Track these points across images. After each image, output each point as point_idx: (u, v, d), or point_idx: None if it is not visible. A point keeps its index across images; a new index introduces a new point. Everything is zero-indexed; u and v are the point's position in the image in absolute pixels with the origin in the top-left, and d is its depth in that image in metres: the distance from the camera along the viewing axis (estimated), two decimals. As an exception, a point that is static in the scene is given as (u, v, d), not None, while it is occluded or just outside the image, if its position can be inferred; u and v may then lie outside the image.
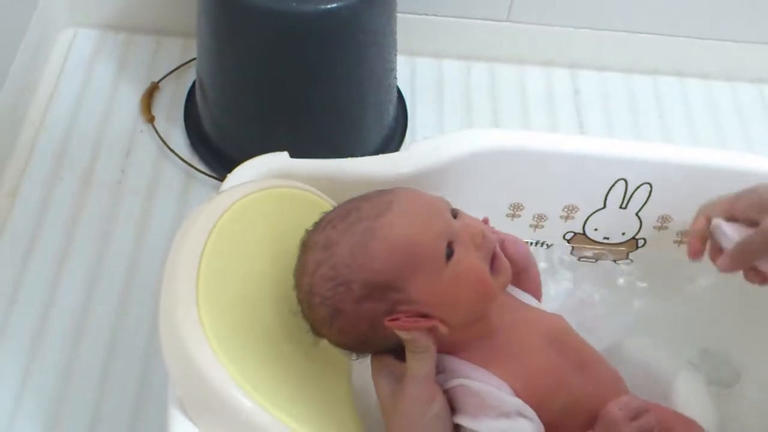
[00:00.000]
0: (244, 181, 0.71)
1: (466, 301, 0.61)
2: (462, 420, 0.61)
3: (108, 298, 0.96)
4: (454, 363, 0.63)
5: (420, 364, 0.61)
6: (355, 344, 0.63)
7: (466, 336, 0.63)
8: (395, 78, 1.11)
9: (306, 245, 0.63)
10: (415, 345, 0.60)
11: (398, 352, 0.63)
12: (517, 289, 0.71)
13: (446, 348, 0.63)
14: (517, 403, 0.62)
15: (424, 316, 0.60)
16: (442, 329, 0.61)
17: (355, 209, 0.62)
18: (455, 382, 0.62)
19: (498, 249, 0.62)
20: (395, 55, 1.08)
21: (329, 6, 0.91)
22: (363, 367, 0.68)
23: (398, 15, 1.06)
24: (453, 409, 0.62)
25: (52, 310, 0.95)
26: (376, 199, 0.62)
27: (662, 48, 1.27)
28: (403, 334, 0.60)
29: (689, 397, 0.76)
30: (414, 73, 1.25)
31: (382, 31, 1.00)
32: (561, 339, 0.67)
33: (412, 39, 1.21)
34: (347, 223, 0.61)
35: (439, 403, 0.61)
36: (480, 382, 0.62)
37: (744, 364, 0.85)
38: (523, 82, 1.26)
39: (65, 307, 0.95)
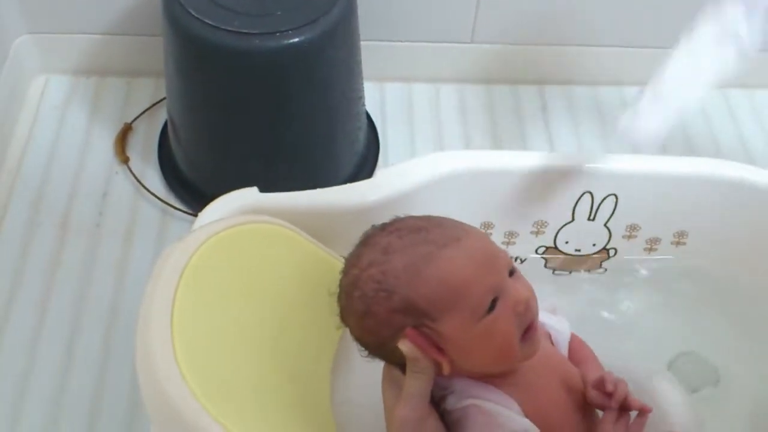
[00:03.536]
0: (214, 220, 0.72)
1: (485, 357, 0.62)
2: None
3: (91, 341, 0.97)
4: (467, 384, 0.65)
5: (416, 383, 0.62)
6: (373, 345, 0.65)
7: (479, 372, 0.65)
8: (363, 105, 1.13)
9: (367, 241, 0.65)
10: (415, 364, 0.62)
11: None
12: (543, 321, 0.73)
13: (460, 372, 0.64)
14: (525, 423, 0.63)
15: (440, 349, 0.62)
16: (445, 369, 0.62)
17: (425, 230, 0.63)
18: (467, 401, 0.63)
19: (537, 322, 0.63)
20: (362, 83, 1.10)
21: (291, 41, 0.93)
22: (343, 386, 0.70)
23: (364, 42, 1.08)
24: (463, 426, 0.63)
25: (36, 355, 0.95)
26: (448, 229, 0.63)
27: (626, 59, 1.29)
28: (407, 351, 0.61)
29: (670, 406, 0.76)
30: (383, 99, 1.26)
31: (345, 60, 1.02)
32: (571, 384, 0.69)
33: (380, 65, 1.24)
34: (414, 239, 0.62)
35: (431, 425, 0.62)
36: (491, 402, 0.63)
37: (722, 365, 0.87)
38: (491, 101, 1.28)
39: (49, 352, 0.96)
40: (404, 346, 0.61)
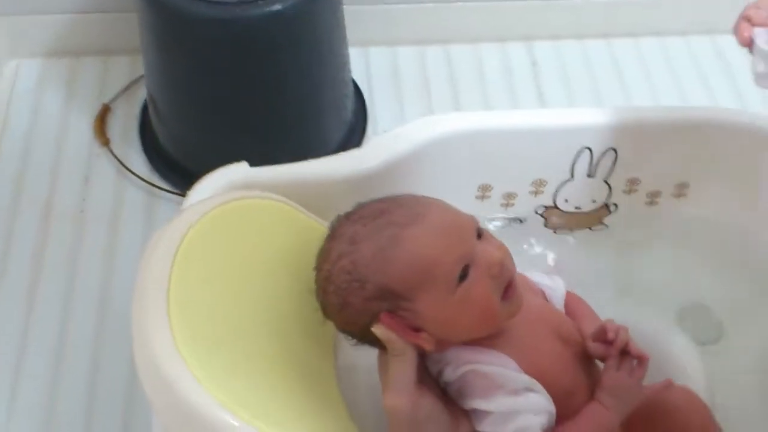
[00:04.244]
0: (205, 198, 0.69)
1: (469, 324, 0.62)
2: (474, 403, 0.62)
3: (83, 329, 0.95)
4: (460, 351, 0.64)
5: (398, 366, 0.61)
6: (357, 334, 0.65)
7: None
8: (349, 72, 1.10)
9: (334, 233, 0.65)
10: (392, 347, 0.61)
11: None
12: (531, 279, 0.73)
13: (449, 344, 0.64)
14: (525, 379, 0.63)
15: (418, 329, 0.61)
16: (427, 348, 0.62)
17: (387, 212, 0.63)
18: (463, 369, 0.63)
19: (514, 278, 0.63)
20: (346, 48, 1.07)
21: (272, 8, 0.90)
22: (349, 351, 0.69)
23: (346, 6, 1.04)
24: (464, 394, 0.63)
25: (27, 349, 0.93)
26: (409, 207, 0.63)
27: (614, 10, 1.26)
28: (380, 335, 0.61)
29: (680, 361, 0.76)
30: (368, 64, 1.23)
31: (329, 26, 0.99)
32: (566, 335, 0.69)
33: (363, 29, 1.20)
34: (377, 224, 0.62)
35: (425, 408, 0.61)
36: (487, 364, 0.63)
37: (727, 317, 0.86)
38: (479, 61, 1.25)
39: (40, 344, 0.93)
40: (377, 330, 0.61)
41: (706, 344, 0.83)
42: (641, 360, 0.66)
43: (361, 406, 0.72)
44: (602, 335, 0.67)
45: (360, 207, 0.65)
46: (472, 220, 0.63)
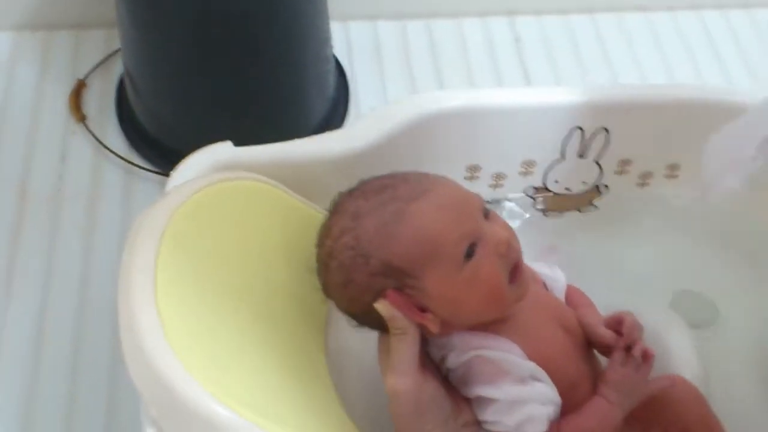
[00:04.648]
0: (189, 179, 0.67)
1: (475, 304, 0.61)
2: (479, 390, 0.61)
3: (63, 312, 0.92)
4: (466, 336, 0.63)
5: (400, 346, 0.60)
6: (360, 314, 0.63)
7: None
8: (331, 47, 1.08)
9: (336, 209, 0.64)
10: (393, 324, 0.60)
11: None
12: (534, 269, 0.72)
13: (454, 327, 0.63)
14: (531, 366, 0.62)
15: (424, 310, 0.60)
16: (432, 329, 0.61)
17: (392, 187, 0.62)
18: (469, 354, 0.62)
19: (521, 260, 0.62)
20: (328, 23, 1.04)
21: (254, -19, 0.87)
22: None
23: (327, -20, 1.02)
24: (469, 381, 0.62)
25: (5, 334, 0.90)
26: (415, 183, 0.62)
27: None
28: (382, 310, 0.60)
29: (674, 346, 0.75)
30: (349, 39, 1.20)
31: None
32: (568, 324, 0.68)
33: (343, 3, 1.17)
34: (381, 198, 0.61)
35: (429, 390, 0.60)
36: (493, 350, 0.62)
37: (721, 300, 0.85)
38: (462, 36, 1.23)
39: (19, 329, 0.90)
40: (380, 305, 0.59)
41: (700, 327, 0.83)
42: (646, 357, 0.65)
43: (350, 392, 0.70)
44: (616, 324, 0.66)
45: (363, 183, 0.64)
46: (478, 198, 0.62)
